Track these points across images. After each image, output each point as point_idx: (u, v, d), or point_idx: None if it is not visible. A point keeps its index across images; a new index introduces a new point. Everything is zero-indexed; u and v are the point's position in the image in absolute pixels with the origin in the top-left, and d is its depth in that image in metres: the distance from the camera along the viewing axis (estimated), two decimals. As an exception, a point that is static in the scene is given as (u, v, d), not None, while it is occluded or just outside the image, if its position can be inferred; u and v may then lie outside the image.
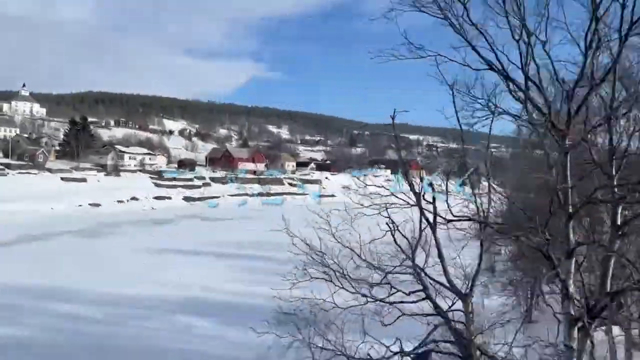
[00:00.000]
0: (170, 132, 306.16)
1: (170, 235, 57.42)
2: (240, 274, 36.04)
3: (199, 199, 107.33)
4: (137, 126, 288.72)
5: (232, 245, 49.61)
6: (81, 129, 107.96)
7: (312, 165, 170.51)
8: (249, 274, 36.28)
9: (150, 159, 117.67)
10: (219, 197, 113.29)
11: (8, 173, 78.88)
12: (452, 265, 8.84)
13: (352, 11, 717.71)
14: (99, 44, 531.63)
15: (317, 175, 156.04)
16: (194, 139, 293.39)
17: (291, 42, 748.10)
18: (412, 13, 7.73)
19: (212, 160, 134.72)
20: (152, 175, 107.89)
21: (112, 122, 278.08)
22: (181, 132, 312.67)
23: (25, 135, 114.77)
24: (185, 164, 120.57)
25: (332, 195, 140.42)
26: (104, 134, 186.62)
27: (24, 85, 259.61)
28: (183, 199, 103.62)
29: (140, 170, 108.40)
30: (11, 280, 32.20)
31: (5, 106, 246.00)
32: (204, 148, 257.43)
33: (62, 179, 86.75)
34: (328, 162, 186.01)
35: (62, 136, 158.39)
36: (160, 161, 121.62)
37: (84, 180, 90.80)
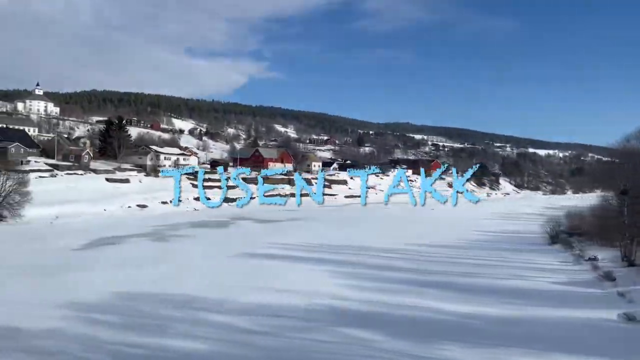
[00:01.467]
0: (181, 132, 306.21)
1: (240, 238, 56.55)
2: (353, 281, 35.00)
3: (235, 199, 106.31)
4: (149, 125, 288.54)
5: (313, 249, 48.81)
6: (118, 129, 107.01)
7: (335, 165, 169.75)
8: (359, 280, 35.33)
9: (184, 159, 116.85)
10: (254, 197, 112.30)
11: (57, 174, 77.93)
12: None
13: (354, 11, 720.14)
14: (99, 43, 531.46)
15: (342, 175, 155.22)
16: (204, 138, 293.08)
17: (292, 41, 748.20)
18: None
19: (242, 161, 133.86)
20: (189, 176, 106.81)
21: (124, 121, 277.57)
22: (191, 132, 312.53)
23: (65, 136, 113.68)
24: (219, 164, 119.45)
25: (359, 196, 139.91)
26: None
27: (37, 84, 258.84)
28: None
29: (177, 171, 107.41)
30: (133, 287, 31.33)
31: (20, 105, 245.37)
32: (215, 147, 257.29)
33: (107, 179, 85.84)
34: (348, 161, 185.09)
35: (75, 135, 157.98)
36: (192, 161, 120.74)
37: (127, 181, 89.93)
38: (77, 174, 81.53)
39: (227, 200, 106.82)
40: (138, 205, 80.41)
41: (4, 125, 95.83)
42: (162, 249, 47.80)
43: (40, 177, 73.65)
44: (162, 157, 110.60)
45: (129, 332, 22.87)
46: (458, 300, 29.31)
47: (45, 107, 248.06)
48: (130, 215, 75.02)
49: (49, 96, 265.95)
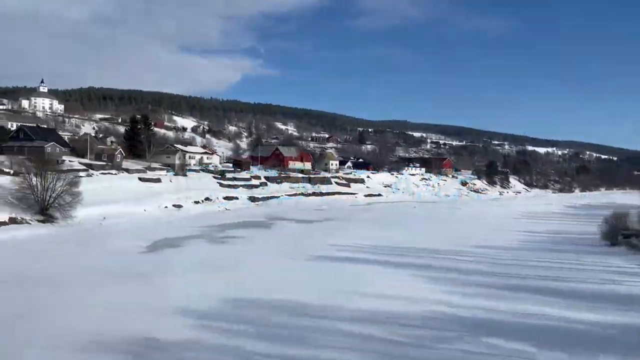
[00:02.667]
0: (184, 129, 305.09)
1: (294, 239, 55.74)
2: (443, 286, 34.45)
3: (262, 199, 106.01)
4: (153, 123, 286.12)
5: (378, 251, 48.22)
6: (144, 128, 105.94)
7: (349, 163, 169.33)
8: (450, 285, 34.81)
9: (207, 158, 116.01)
10: (278, 196, 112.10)
11: (92, 174, 76.98)
12: None
13: (348, 8, 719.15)
14: (93, 40, 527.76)
15: (359, 173, 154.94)
16: (207, 136, 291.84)
17: (287, 38, 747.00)
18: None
19: (262, 159, 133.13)
20: (215, 175, 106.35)
21: (127, 119, 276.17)
22: (194, 129, 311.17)
23: (93, 134, 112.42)
24: (242, 164, 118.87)
25: (379, 195, 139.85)
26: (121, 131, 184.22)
27: (42, 82, 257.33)
28: (248, 198, 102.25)
29: (202, 170, 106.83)
30: (232, 293, 30.80)
31: (25, 102, 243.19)
32: (218, 145, 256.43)
33: (139, 179, 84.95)
34: (361, 160, 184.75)
35: (82, 132, 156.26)
36: (215, 160, 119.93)
37: (158, 180, 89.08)
38: (111, 174, 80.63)
39: (252, 199, 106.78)
40: (174, 206, 79.70)
41: (35, 125, 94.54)
42: (225, 251, 47.08)
43: (77, 177, 72.60)
44: (186, 156, 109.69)
45: (268, 342, 22.38)
46: (565, 306, 29.09)
47: (51, 104, 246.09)
48: (169, 215, 74.28)
49: (49, 93, 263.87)
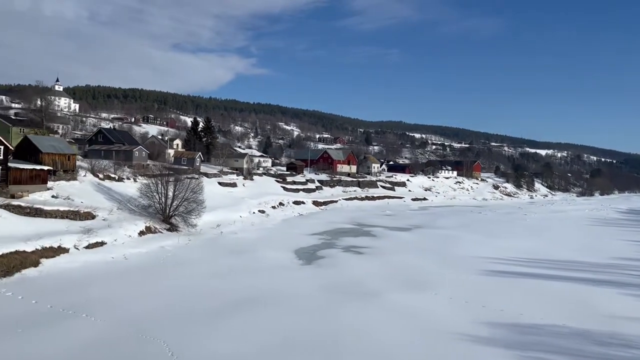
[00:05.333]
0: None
1: (424, 250, 53.86)
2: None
3: (324, 203, 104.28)
4: (165, 123, 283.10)
5: (541, 264, 46.37)
6: (207, 131, 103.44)
7: (383, 166, 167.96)
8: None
9: (264, 161, 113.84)
10: (336, 200, 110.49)
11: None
12: None
13: (340, 8, 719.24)
14: (86, 39, 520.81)
15: (399, 177, 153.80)
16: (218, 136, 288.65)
17: (280, 38, 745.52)
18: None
19: (312, 162, 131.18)
20: (277, 179, 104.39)
21: (140, 119, 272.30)
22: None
23: (159, 136, 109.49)
24: (296, 167, 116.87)
25: (424, 199, 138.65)
26: (139, 131, 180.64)
27: (57, 80, 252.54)
28: (313, 203, 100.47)
29: (264, 174, 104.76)
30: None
31: (40, 101, 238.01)
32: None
33: (219, 183, 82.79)
34: (391, 162, 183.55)
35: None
36: (268, 163, 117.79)
37: (234, 185, 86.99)
38: (194, 178, 78.25)
39: (316, 203, 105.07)
40: (259, 211, 77.72)
41: (112, 126, 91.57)
42: (386, 263, 45.24)
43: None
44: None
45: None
46: None
47: (69, 103, 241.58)
48: (262, 222, 72.21)
49: (44, 92, 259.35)
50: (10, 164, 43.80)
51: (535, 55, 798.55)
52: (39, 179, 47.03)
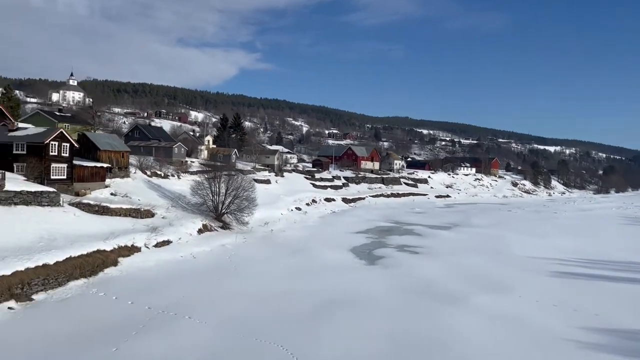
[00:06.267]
0: (206, 124, 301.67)
1: (482, 251, 53.55)
2: None
3: (352, 200, 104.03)
4: (177, 118, 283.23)
5: (613, 266, 45.67)
6: (236, 127, 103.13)
7: (403, 163, 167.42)
8: None
9: (291, 157, 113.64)
10: (364, 197, 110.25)
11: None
12: None
13: (344, 4, 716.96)
14: (91, 33, 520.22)
15: (420, 173, 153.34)
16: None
17: (284, 33, 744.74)
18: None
19: (336, 159, 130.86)
20: (306, 176, 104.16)
21: (153, 114, 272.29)
22: (215, 125, 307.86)
23: (191, 133, 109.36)
24: (322, 164, 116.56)
25: (447, 196, 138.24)
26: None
27: (71, 75, 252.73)
28: (342, 200, 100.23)
29: (293, 170, 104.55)
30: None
31: (55, 95, 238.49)
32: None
33: (255, 180, 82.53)
34: (409, 159, 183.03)
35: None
36: (294, 159, 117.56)
37: (268, 182, 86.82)
38: (231, 175, 78.08)
39: (345, 201, 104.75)
40: (296, 208, 77.55)
41: (148, 123, 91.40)
42: (449, 264, 44.98)
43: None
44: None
45: None
46: None
47: (84, 97, 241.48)
48: (302, 219, 72.04)
49: (54, 85, 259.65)
50: (74, 162, 43.64)
51: (541, 51, 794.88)
52: (99, 177, 46.90)
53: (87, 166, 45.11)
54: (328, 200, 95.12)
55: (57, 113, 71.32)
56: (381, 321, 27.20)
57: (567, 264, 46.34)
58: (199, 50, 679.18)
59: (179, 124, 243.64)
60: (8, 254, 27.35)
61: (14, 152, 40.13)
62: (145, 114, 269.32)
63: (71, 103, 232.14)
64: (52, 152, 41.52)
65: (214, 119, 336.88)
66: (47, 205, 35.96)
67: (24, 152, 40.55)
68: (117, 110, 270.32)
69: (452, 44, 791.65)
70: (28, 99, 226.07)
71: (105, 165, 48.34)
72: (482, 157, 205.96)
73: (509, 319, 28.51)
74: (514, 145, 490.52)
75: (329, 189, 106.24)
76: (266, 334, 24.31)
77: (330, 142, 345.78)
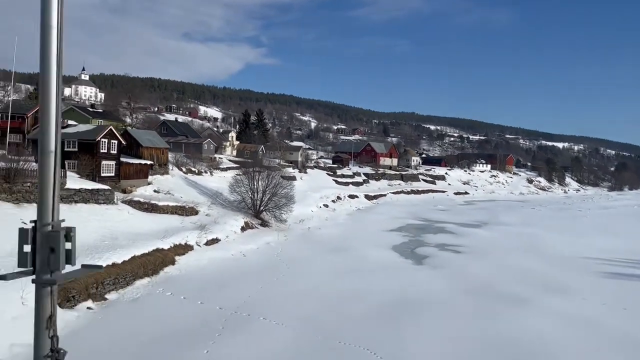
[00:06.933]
0: (215, 119, 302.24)
1: (529, 250, 52.96)
2: None
3: (374, 197, 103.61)
4: (187, 113, 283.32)
5: None
6: (259, 123, 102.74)
7: (418, 159, 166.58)
8: None
9: (312, 154, 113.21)
10: (385, 194, 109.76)
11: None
12: None
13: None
14: (96, 26, 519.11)
15: (437, 170, 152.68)
16: (238, 126, 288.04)
17: (289, 28, 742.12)
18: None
19: (355, 155, 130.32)
20: (328, 173, 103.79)
21: (164, 109, 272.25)
22: (224, 120, 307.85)
23: (215, 128, 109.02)
24: (342, 160, 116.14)
25: (465, 193, 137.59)
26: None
27: (83, 69, 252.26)
28: (365, 197, 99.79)
29: (315, 167, 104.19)
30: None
31: (67, 90, 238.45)
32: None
33: (282, 177, 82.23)
34: (423, 155, 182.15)
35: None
36: (315, 156, 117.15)
37: (294, 178, 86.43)
38: (260, 171, 77.83)
39: (367, 197, 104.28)
40: (324, 205, 77.21)
41: (175, 118, 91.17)
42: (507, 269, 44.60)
43: (237, 174, 69.95)
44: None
45: None
46: None
47: (96, 92, 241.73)
48: (332, 217, 71.70)
49: (70, 81, 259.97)
50: (121, 159, 43.41)
51: (549, 47, 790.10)
52: (142, 174, 46.63)
53: (132, 163, 44.84)
54: (351, 197, 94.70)
55: (90, 109, 71.09)
56: (457, 323, 26.87)
57: (614, 264, 45.85)
58: (203, 44, 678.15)
59: (189, 119, 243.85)
60: (79, 253, 27.03)
61: (65, 149, 39.89)
62: (156, 109, 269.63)
63: (83, 98, 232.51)
64: (102, 149, 41.22)
65: (214, 113, 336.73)
66: (103, 203, 35.72)
67: (75, 149, 40.27)
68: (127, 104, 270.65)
69: (459, 39, 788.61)
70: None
71: (148, 162, 48.06)
72: (495, 153, 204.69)
73: (582, 321, 28.09)
74: (521, 141, 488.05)
75: (350, 185, 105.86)
76: (347, 336, 23.99)
77: (340, 137, 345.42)
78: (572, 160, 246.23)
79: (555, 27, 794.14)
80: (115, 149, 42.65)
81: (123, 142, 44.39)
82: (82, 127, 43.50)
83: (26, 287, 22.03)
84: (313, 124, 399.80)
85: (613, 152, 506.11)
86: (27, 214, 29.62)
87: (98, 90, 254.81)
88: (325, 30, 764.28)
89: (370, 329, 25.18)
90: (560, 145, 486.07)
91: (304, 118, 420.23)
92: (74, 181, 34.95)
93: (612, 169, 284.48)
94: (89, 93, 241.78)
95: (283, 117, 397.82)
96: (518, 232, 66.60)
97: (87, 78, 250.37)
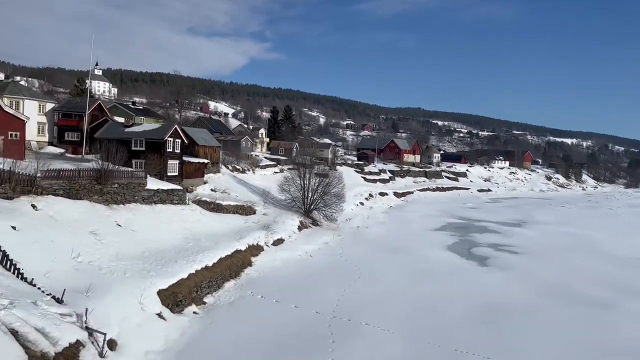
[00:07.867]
0: (226, 115, 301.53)
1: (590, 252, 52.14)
2: None
3: (402, 194, 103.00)
4: (199, 108, 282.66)
5: None
6: (287, 120, 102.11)
7: (438, 155, 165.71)
8: None
9: (337, 150, 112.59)
10: (412, 192, 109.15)
11: (282, 169, 73.59)
12: None
13: None
14: (101, 21, 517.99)
15: (458, 167, 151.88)
16: (249, 121, 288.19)
17: (294, 23, 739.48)
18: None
19: (379, 151, 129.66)
20: (356, 170, 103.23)
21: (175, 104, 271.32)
22: (234, 115, 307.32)
23: (245, 125, 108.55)
24: (367, 157, 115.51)
25: (488, 190, 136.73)
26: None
27: (97, 64, 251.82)
28: (393, 194, 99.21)
29: (343, 164, 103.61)
30: None
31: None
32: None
33: (315, 174, 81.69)
34: (442, 152, 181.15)
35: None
36: (341, 152, 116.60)
37: (326, 176, 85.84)
38: (292, 169, 77.37)
39: (396, 195, 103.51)
40: (360, 203, 76.70)
41: (209, 116, 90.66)
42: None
43: (275, 172, 69.55)
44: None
45: None
46: None
47: (110, 87, 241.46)
48: (371, 214, 71.33)
49: (71, 74, 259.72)
50: (183, 158, 42.95)
51: (554, 43, 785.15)
52: (200, 173, 46.20)
53: (193, 162, 44.38)
54: (382, 194, 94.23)
55: (132, 106, 70.59)
56: (558, 329, 26.40)
57: None
58: (208, 39, 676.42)
59: (202, 114, 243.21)
60: (173, 256, 26.69)
61: (132, 148, 39.44)
62: (168, 104, 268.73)
63: (98, 93, 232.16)
64: (168, 148, 40.71)
65: (224, 108, 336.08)
66: (178, 204, 35.30)
67: (143, 149, 39.83)
68: (138, 99, 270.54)
69: (465, 34, 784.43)
70: (57, 89, 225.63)
71: (204, 161, 47.63)
72: (511, 150, 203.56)
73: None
74: (529, 137, 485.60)
75: (377, 182, 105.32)
76: (459, 342, 23.51)
77: (349, 133, 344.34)
78: (588, 156, 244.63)
79: (557, 22, 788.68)
80: (179, 148, 42.17)
81: (186, 141, 43.93)
82: (148, 126, 43.02)
83: (144, 292, 21.66)
84: (321, 120, 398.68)
85: (622, 148, 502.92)
86: (119, 215, 29.25)
87: (111, 85, 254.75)
88: (330, 25, 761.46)
89: (478, 335, 24.69)
90: (568, 141, 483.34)
91: (312, 113, 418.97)
92: (152, 182, 34.50)
93: (625, 165, 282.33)
94: (102, 88, 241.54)
95: (291, 113, 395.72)
96: (563, 231, 65.87)
97: (100, 73, 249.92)
